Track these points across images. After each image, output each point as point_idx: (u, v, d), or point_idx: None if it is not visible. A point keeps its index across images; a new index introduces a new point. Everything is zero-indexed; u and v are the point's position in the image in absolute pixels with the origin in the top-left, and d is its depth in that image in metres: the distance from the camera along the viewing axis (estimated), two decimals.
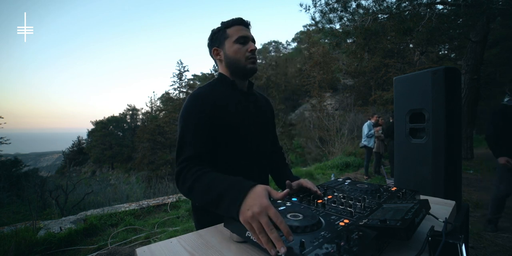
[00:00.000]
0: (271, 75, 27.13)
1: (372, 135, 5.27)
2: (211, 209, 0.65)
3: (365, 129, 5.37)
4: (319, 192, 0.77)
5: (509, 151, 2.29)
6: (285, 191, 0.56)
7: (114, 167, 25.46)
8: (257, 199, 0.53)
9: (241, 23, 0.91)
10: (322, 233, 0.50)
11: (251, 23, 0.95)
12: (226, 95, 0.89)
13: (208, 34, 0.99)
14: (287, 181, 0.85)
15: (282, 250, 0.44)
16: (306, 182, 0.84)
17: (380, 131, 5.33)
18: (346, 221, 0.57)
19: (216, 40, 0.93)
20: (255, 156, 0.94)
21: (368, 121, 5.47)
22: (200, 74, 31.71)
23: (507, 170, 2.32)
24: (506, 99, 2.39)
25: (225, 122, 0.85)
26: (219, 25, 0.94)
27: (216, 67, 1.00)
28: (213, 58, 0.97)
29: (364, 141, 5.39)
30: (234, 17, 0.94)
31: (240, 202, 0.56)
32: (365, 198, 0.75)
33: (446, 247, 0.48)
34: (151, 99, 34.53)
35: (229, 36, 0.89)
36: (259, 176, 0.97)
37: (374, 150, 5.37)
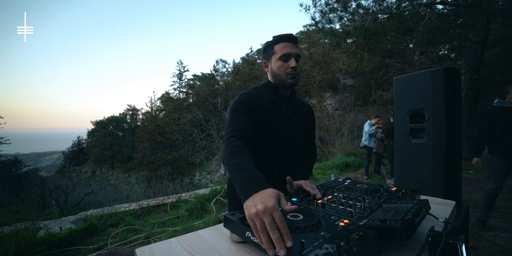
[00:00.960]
0: None
1: (372, 133, 5.26)
2: (231, 178, 0.74)
3: (365, 127, 5.37)
4: (318, 195, 0.77)
5: (498, 150, 2.39)
6: (294, 206, 0.56)
7: (114, 167, 25.45)
8: (266, 198, 0.55)
9: (288, 40, 1.00)
10: (322, 233, 0.50)
11: (297, 38, 1.04)
12: (267, 98, 1.03)
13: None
14: (288, 177, 0.86)
15: (282, 252, 0.44)
16: (306, 184, 0.84)
17: (380, 131, 5.33)
18: (346, 221, 0.57)
19: (266, 54, 1.06)
20: (282, 156, 1.02)
21: (368, 121, 5.47)
22: (200, 74, 31.71)
23: (496, 166, 2.42)
24: (495, 101, 2.48)
25: (261, 120, 0.97)
26: (271, 39, 1.04)
27: (267, 77, 1.12)
28: (264, 69, 1.10)
29: (364, 141, 5.38)
30: (284, 33, 1.03)
31: (249, 195, 0.59)
32: (365, 198, 0.74)
33: (446, 247, 0.48)
34: (151, 99, 34.58)
35: (275, 53, 1.00)
36: (279, 176, 1.00)
37: (374, 150, 5.37)
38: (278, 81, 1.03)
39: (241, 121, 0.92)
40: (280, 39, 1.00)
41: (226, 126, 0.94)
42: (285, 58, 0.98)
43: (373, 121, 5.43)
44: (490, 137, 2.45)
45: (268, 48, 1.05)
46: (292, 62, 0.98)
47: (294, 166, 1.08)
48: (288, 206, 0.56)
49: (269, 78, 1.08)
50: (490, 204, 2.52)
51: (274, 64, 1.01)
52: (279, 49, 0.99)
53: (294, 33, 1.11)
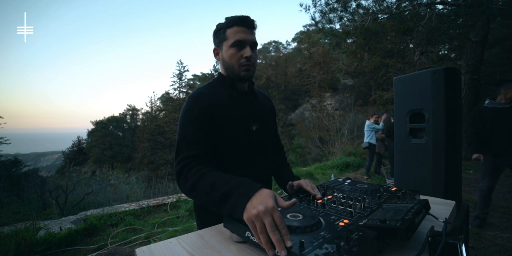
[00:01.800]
0: (271, 75, 27.14)
1: (373, 129, 5.26)
2: (213, 208, 0.65)
3: (370, 126, 5.36)
4: (318, 195, 0.77)
5: (489, 150, 2.47)
6: (291, 201, 0.55)
7: (114, 167, 25.45)
8: (264, 199, 0.53)
9: (242, 24, 0.84)
10: (322, 233, 0.50)
11: (255, 22, 0.88)
12: (225, 95, 0.89)
13: (207, 34, 0.98)
14: (290, 183, 0.85)
15: (283, 253, 0.44)
16: (306, 184, 0.84)
17: (380, 131, 5.33)
18: (346, 221, 0.57)
19: (216, 39, 0.91)
20: (256, 155, 0.94)
21: (368, 121, 5.47)
22: (200, 74, 31.70)
23: (489, 166, 2.50)
24: (487, 102, 2.57)
25: (224, 121, 0.85)
26: (223, 20, 0.88)
27: (217, 65, 1.01)
28: (214, 57, 0.95)
29: (367, 139, 5.35)
30: (239, 14, 0.86)
31: (247, 201, 0.56)
32: (365, 198, 0.74)
33: (446, 247, 0.48)
34: (151, 99, 34.54)
35: (227, 38, 0.86)
36: (260, 174, 0.96)
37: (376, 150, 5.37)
38: (230, 73, 0.89)
39: (192, 139, 0.80)
40: (233, 22, 0.84)
41: (177, 143, 0.82)
42: (238, 45, 0.84)
43: (372, 121, 5.44)
44: (481, 136, 2.53)
45: (219, 32, 0.88)
46: (247, 51, 0.84)
47: (269, 163, 1.01)
48: (285, 203, 0.55)
49: (221, 70, 0.94)
50: (486, 201, 2.58)
51: (226, 52, 0.86)
52: (232, 33, 0.84)
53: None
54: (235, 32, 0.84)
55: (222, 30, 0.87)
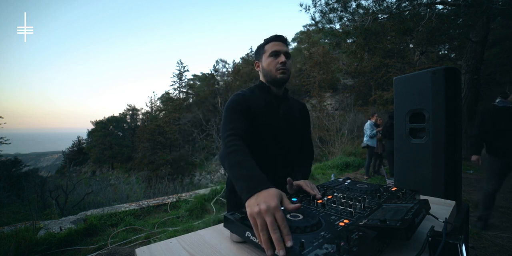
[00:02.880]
0: None
1: (374, 135, 5.27)
2: (230, 177, 0.74)
3: (367, 129, 5.37)
4: (318, 195, 0.77)
5: (499, 150, 2.39)
6: (297, 204, 0.57)
7: (114, 167, 25.44)
8: (269, 197, 0.55)
9: (277, 40, 1.04)
10: (322, 233, 0.50)
11: (287, 39, 1.08)
12: (260, 98, 1.04)
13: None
14: (288, 178, 0.86)
15: (282, 252, 0.44)
16: (306, 184, 0.84)
17: (380, 132, 5.33)
18: (346, 221, 0.57)
19: (257, 54, 1.11)
20: (280, 156, 1.03)
21: (369, 121, 5.47)
22: (200, 74, 31.69)
23: (496, 167, 2.43)
24: (497, 100, 2.48)
25: (255, 120, 0.97)
26: (262, 41, 1.08)
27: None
28: (255, 69, 1.13)
29: (366, 141, 5.38)
30: (273, 34, 1.07)
31: (252, 194, 0.60)
32: (365, 198, 0.74)
33: (446, 247, 0.48)
34: (151, 99, 34.53)
35: (265, 51, 1.05)
36: (282, 176, 1.00)
37: (375, 150, 5.37)
38: (269, 78, 1.05)
39: (238, 120, 0.93)
40: (270, 39, 1.05)
41: (223, 125, 0.95)
42: (275, 54, 1.02)
43: (373, 120, 5.44)
44: (489, 136, 2.44)
45: (259, 49, 1.09)
46: (282, 58, 1.01)
47: (292, 165, 1.07)
48: (291, 205, 0.56)
49: (261, 78, 1.11)
50: (490, 203, 2.54)
51: (265, 61, 1.04)
52: (269, 47, 1.04)
53: (294, 33, 1.13)
54: (272, 46, 1.04)
55: (261, 47, 1.08)
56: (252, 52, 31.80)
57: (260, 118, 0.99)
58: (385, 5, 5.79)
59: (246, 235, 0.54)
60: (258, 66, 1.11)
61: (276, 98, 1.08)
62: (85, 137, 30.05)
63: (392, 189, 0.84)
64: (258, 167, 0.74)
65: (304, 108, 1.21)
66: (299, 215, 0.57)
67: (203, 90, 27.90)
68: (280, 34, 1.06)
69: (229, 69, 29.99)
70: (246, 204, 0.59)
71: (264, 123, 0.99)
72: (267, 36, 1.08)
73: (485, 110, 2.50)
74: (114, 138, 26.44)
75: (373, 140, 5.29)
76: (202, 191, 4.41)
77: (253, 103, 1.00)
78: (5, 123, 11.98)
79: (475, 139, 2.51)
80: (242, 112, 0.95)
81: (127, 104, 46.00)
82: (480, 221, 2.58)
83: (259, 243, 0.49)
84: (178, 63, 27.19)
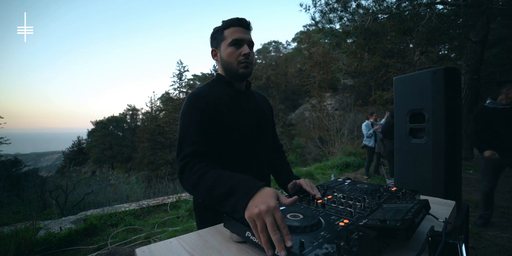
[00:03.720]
0: (271, 75, 27.12)
1: (371, 135, 5.27)
2: (215, 206, 0.66)
3: (364, 129, 5.38)
4: (317, 195, 0.77)
5: (488, 149, 2.42)
6: (293, 197, 0.56)
7: (114, 167, 25.45)
8: (266, 198, 0.54)
9: (239, 24, 0.89)
10: (322, 233, 0.50)
11: (251, 24, 0.92)
12: (223, 95, 0.91)
13: (207, 34, 0.99)
14: (293, 182, 0.86)
15: (283, 253, 0.44)
16: (306, 184, 0.84)
17: (379, 130, 5.33)
18: (346, 221, 0.57)
19: (214, 40, 0.95)
20: (254, 154, 0.94)
21: (366, 121, 5.47)
22: (200, 74, 31.72)
23: (489, 166, 2.48)
24: (488, 101, 2.53)
25: (222, 120, 0.86)
26: (220, 24, 0.93)
27: (216, 67, 1.04)
28: (213, 58, 0.98)
29: (364, 141, 5.40)
30: (234, 16, 0.91)
31: (249, 199, 0.57)
32: (365, 198, 0.74)
33: (446, 247, 0.48)
34: (151, 99, 34.56)
35: (225, 38, 0.89)
36: (258, 173, 0.96)
37: (375, 150, 5.38)
38: (229, 72, 0.92)
39: (197, 132, 0.81)
40: (231, 23, 0.89)
41: (178, 143, 0.83)
42: (236, 43, 0.88)
43: (371, 120, 5.44)
44: (484, 135, 2.49)
45: (217, 34, 0.93)
46: (245, 49, 0.87)
47: (266, 163, 1.02)
48: (287, 200, 0.55)
49: (220, 70, 0.97)
50: (489, 202, 2.57)
51: (224, 51, 0.90)
52: (230, 33, 0.88)
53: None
54: (232, 32, 0.88)
55: (220, 31, 0.91)
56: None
57: (225, 116, 0.87)
58: (385, 5, 5.79)
59: (246, 235, 0.54)
60: (216, 55, 0.95)
61: (240, 92, 0.96)
62: (85, 137, 30.10)
63: (392, 189, 0.84)
64: (234, 172, 0.69)
65: (267, 102, 1.12)
66: (299, 215, 0.57)
67: None
68: (243, 17, 0.90)
69: None
70: (246, 209, 0.56)
71: (231, 120, 0.87)
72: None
73: (477, 110, 2.58)
74: (114, 138, 26.45)
75: (371, 140, 5.29)
76: None
77: (214, 101, 0.87)
78: (5, 123, 11.99)
79: (476, 137, 2.52)
80: (200, 119, 0.83)
81: (127, 104, 46.04)
82: (481, 219, 2.61)
83: (259, 243, 0.49)
84: (178, 63, 27.18)
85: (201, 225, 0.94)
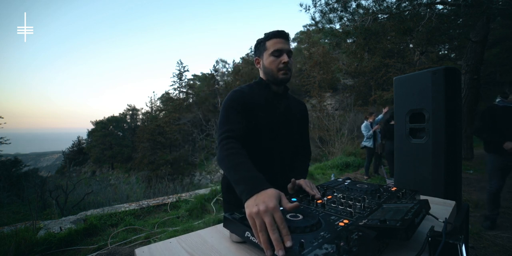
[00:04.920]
0: None
1: (371, 136, 5.27)
2: (229, 180, 0.75)
3: (363, 130, 5.37)
4: (317, 195, 0.77)
5: (497, 149, 2.37)
6: (295, 204, 0.57)
7: (114, 167, 25.44)
8: (267, 198, 0.56)
9: (279, 36, 1.00)
10: (322, 233, 0.50)
11: (289, 35, 1.04)
12: (260, 95, 1.03)
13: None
14: (292, 179, 0.87)
15: (281, 253, 0.44)
16: (305, 184, 0.84)
17: (378, 130, 5.32)
18: (346, 221, 0.57)
19: (257, 50, 1.07)
20: (277, 151, 1.02)
21: (365, 122, 5.45)
22: (200, 74, 31.69)
23: (496, 166, 2.42)
24: (497, 100, 2.48)
25: (253, 117, 0.97)
26: (263, 36, 1.04)
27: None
28: (256, 65, 1.10)
29: (364, 142, 5.39)
30: (275, 29, 1.03)
31: (250, 195, 0.60)
32: (365, 198, 0.74)
33: (446, 247, 0.48)
34: (151, 99, 34.57)
35: (267, 49, 1.01)
36: (280, 172, 1.03)
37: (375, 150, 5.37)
38: (270, 77, 1.03)
39: (234, 120, 0.92)
40: (271, 35, 1.01)
41: (219, 124, 0.94)
42: (277, 53, 0.99)
43: (370, 121, 5.43)
44: (493, 133, 2.41)
45: (260, 45, 1.05)
46: (284, 58, 0.98)
47: (289, 164, 1.07)
48: (289, 205, 0.57)
49: (261, 75, 1.09)
50: (496, 202, 2.53)
51: (266, 60, 1.01)
52: (271, 45, 1.00)
53: (294, 33, 1.12)
54: (273, 43, 1.00)
55: (262, 43, 1.03)
56: (252, 52, 31.82)
57: (259, 115, 0.98)
58: (385, 5, 5.79)
59: (245, 235, 0.54)
60: (259, 63, 1.07)
61: (275, 95, 1.06)
62: (85, 137, 30.06)
63: (392, 189, 0.84)
64: (256, 166, 0.75)
65: (303, 108, 1.20)
66: (299, 215, 0.57)
67: (203, 90, 27.91)
68: (282, 29, 1.03)
69: (229, 69, 30.01)
70: (245, 205, 0.59)
71: (263, 119, 0.98)
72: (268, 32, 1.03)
73: (486, 109, 2.50)
74: (114, 138, 26.44)
75: (371, 141, 5.28)
76: (202, 191, 4.41)
77: (252, 100, 0.99)
78: (5, 123, 11.99)
79: (486, 133, 2.43)
80: (239, 110, 0.94)
81: (127, 104, 46.02)
82: (488, 221, 2.57)
83: (259, 243, 0.49)
84: (178, 63, 27.23)
85: (226, 207, 1.10)
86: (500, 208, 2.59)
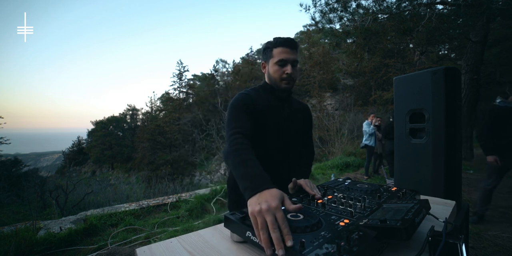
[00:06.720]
0: None
1: (373, 133, 5.26)
2: (234, 175, 0.75)
3: (365, 127, 5.36)
4: (317, 195, 0.77)
5: (498, 150, 2.40)
6: (298, 205, 0.58)
7: (114, 167, 25.42)
8: (270, 197, 0.57)
9: (286, 45, 1.00)
10: (322, 233, 0.50)
11: (298, 44, 1.05)
12: (265, 99, 1.05)
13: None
14: (294, 179, 0.88)
15: (281, 252, 0.44)
16: (306, 184, 0.84)
17: (376, 129, 5.32)
18: (346, 221, 0.57)
19: (264, 55, 1.08)
20: (281, 153, 1.04)
21: (366, 121, 5.47)
22: (200, 74, 31.68)
23: (495, 166, 2.45)
24: (498, 100, 2.49)
25: (259, 120, 0.98)
26: (271, 40, 1.05)
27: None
28: (262, 70, 1.12)
29: (365, 141, 5.38)
30: (283, 36, 1.03)
31: (254, 193, 0.61)
32: (365, 198, 0.75)
33: (446, 247, 0.48)
34: (151, 99, 34.53)
35: (273, 56, 1.02)
36: (282, 171, 1.05)
37: (374, 150, 5.36)
38: (273, 85, 1.07)
39: (243, 119, 0.94)
40: (279, 43, 1.01)
41: (227, 123, 0.95)
42: (281, 63, 1.00)
43: (369, 120, 5.44)
44: (493, 136, 2.43)
45: (267, 50, 1.06)
46: (288, 69, 0.99)
47: (292, 165, 1.09)
48: (292, 206, 0.57)
49: (266, 79, 1.11)
50: (487, 199, 2.60)
51: (271, 67, 1.04)
52: (277, 53, 1.01)
53: (294, 33, 1.12)
54: (280, 52, 1.00)
55: (269, 49, 1.04)
56: (252, 52, 31.80)
57: (264, 118, 1.00)
58: (385, 5, 5.79)
59: (246, 235, 0.54)
60: (264, 67, 1.10)
61: (280, 99, 1.09)
62: (85, 137, 30.01)
63: (392, 189, 0.84)
64: (261, 166, 0.75)
65: (307, 110, 1.22)
66: (300, 215, 0.58)
67: (203, 90, 27.90)
68: (291, 38, 1.03)
69: (229, 69, 30.00)
70: (248, 203, 0.60)
71: (268, 122, 1.01)
72: (267, 36, 1.05)
73: (486, 109, 2.51)
74: (114, 138, 26.42)
75: (372, 139, 5.27)
76: (202, 191, 4.41)
77: (258, 103, 1.01)
78: (5, 123, 11.98)
79: (484, 139, 2.44)
80: (246, 111, 0.96)
81: (127, 104, 45.98)
82: (475, 216, 2.64)
83: (259, 242, 0.50)
84: (178, 63, 27.22)
85: (231, 205, 1.12)
86: (489, 205, 2.65)
